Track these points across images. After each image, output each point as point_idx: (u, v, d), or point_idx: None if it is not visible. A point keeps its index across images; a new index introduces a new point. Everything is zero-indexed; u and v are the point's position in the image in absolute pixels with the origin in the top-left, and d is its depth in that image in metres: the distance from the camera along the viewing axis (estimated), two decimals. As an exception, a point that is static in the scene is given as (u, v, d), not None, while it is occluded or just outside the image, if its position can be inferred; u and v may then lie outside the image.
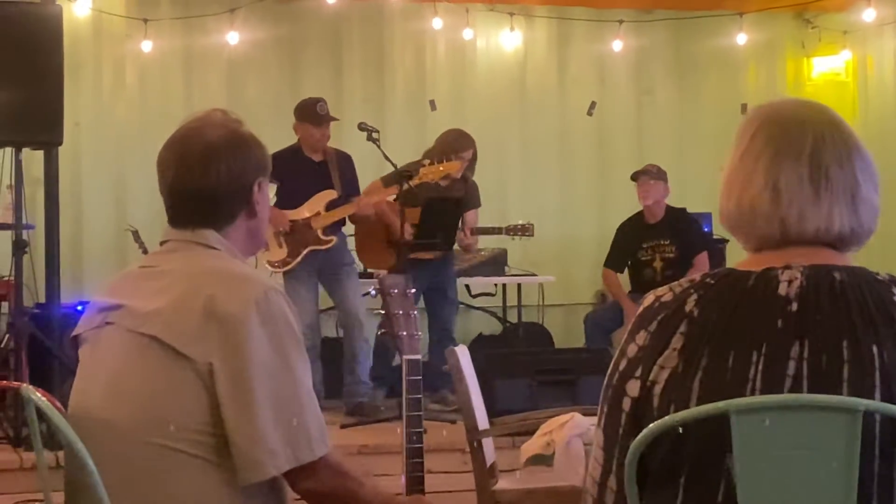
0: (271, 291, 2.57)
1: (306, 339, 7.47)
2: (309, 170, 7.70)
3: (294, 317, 2.60)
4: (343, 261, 7.79)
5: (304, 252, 7.64)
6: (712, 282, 2.07)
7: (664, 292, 2.10)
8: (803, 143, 2.08)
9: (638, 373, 2.05)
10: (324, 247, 7.64)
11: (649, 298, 2.12)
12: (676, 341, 2.02)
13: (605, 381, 2.12)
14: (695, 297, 2.05)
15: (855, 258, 2.11)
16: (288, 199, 7.55)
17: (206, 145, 2.70)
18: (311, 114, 7.71)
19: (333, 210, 7.67)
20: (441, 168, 7.58)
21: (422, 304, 7.88)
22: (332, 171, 7.71)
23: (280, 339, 2.54)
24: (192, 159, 2.69)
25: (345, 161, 7.81)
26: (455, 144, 8.01)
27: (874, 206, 2.10)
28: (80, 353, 2.75)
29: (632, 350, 2.08)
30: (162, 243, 2.77)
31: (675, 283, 2.11)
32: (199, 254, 2.68)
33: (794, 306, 1.99)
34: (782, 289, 2.01)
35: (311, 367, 7.88)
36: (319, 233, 7.65)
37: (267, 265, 7.69)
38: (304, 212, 7.68)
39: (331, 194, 7.67)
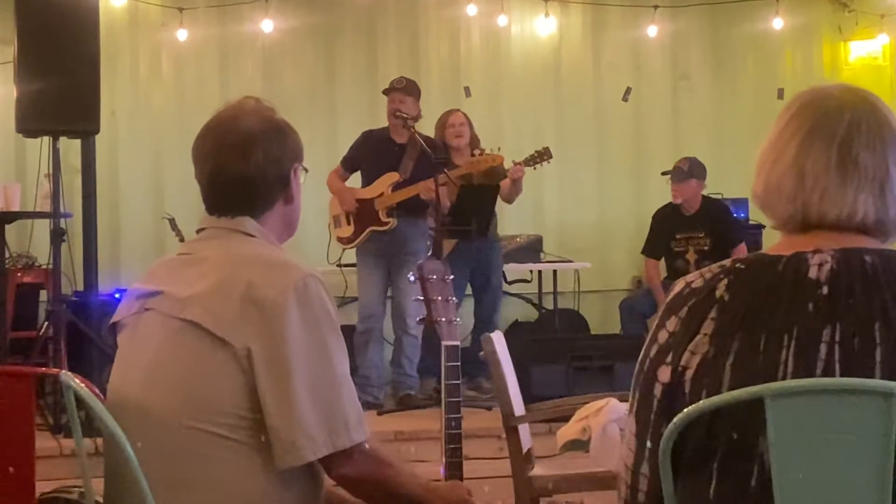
0: (309, 278, 2.57)
1: (360, 323, 7.56)
2: (386, 151, 7.71)
3: (332, 303, 2.61)
4: (409, 249, 7.59)
5: (366, 232, 7.67)
6: (743, 267, 2.06)
7: (694, 278, 2.09)
8: (836, 128, 2.06)
9: (669, 359, 2.04)
10: (382, 228, 7.64)
11: (679, 284, 2.11)
12: (707, 327, 2.01)
13: (636, 368, 2.12)
14: (725, 282, 2.04)
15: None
16: (366, 178, 7.75)
17: (243, 133, 2.71)
18: (388, 85, 7.79)
19: (397, 191, 7.63)
20: (486, 160, 7.64)
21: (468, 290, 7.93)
22: (408, 156, 7.66)
23: (318, 326, 2.55)
24: (230, 147, 2.70)
25: (430, 149, 7.45)
26: (442, 119, 8.11)
27: None
28: (118, 340, 2.76)
29: (662, 336, 2.07)
30: (199, 231, 2.79)
31: (706, 268, 2.10)
32: (237, 241, 2.69)
33: (826, 290, 1.98)
34: (813, 272, 2.00)
35: (365, 355, 7.80)
36: (381, 214, 7.64)
37: (338, 241, 7.87)
38: (370, 192, 7.70)
39: (393, 177, 7.64)
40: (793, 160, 2.08)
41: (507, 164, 7.88)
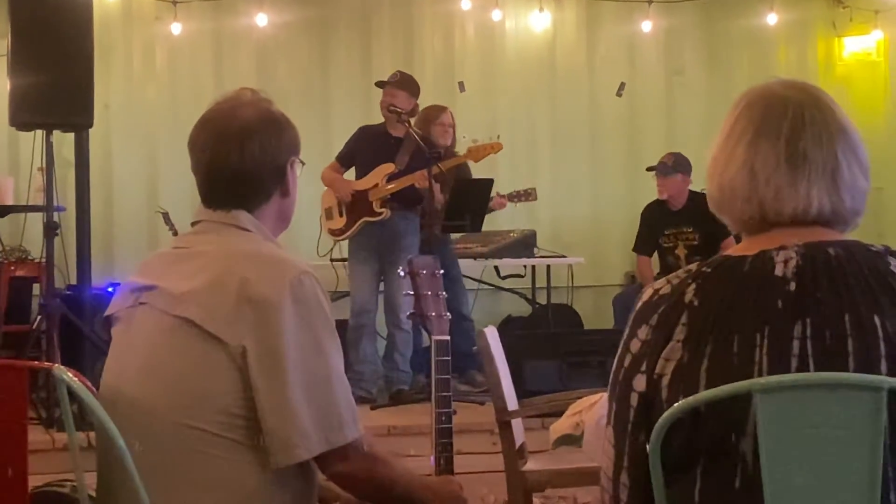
0: (305, 275, 2.57)
1: (353, 318, 7.51)
2: (382, 144, 7.69)
3: (327, 301, 2.60)
4: (402, 244, 7.54)
5: (359, 223, 7.65)
6: (709, 270, 2.07)
7: (662, 285, 2.10)
8: (781, 125, 2.08)
9: (643, 367, 2.05)
10: (375, 219, 7.61)
11: (648, 292, 2.12)
12: (679, 333, 2.02)
13: (611, 379, 2.13)
14: (693, 286, 2.05)
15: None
16: (361, 171, 7.73)
17: (241, 125, 2.69)
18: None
19: (392, 182, 7.60)
20: (485, 148, 7.66)
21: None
22: (404, 149, 7.63)
23: (313, 323, 2.54)
24: (228, 140, 2.68)
25: (424, 144, 7.41)
26: (431, 114, 8.09)
27: (859, 187, 2.09)
28: (112, 333, 2.75)
29: (635, 345, 2.08)
30: (193, 224, 2.77)
31: (673, 274, 2.11)
32: (233, 236, 2.68)
33: (793, 286, 1.99)
34: (779, 269, 2.01)
35: (358, 350, 7.74)
36: (374, 205, 7.62)
37: (329, 234, 7.85)
38: (364, 183, 7.69)
39: (388, 167, 7.61)
40: (743, 161, 2.09)
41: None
